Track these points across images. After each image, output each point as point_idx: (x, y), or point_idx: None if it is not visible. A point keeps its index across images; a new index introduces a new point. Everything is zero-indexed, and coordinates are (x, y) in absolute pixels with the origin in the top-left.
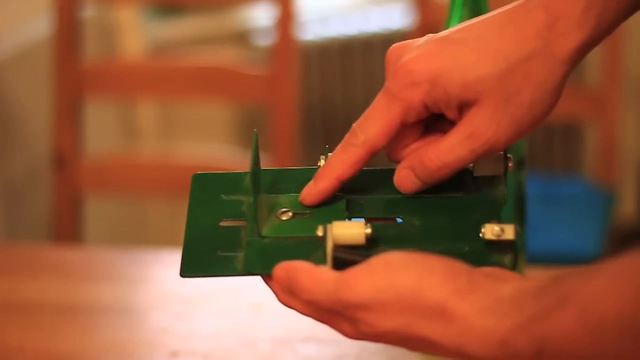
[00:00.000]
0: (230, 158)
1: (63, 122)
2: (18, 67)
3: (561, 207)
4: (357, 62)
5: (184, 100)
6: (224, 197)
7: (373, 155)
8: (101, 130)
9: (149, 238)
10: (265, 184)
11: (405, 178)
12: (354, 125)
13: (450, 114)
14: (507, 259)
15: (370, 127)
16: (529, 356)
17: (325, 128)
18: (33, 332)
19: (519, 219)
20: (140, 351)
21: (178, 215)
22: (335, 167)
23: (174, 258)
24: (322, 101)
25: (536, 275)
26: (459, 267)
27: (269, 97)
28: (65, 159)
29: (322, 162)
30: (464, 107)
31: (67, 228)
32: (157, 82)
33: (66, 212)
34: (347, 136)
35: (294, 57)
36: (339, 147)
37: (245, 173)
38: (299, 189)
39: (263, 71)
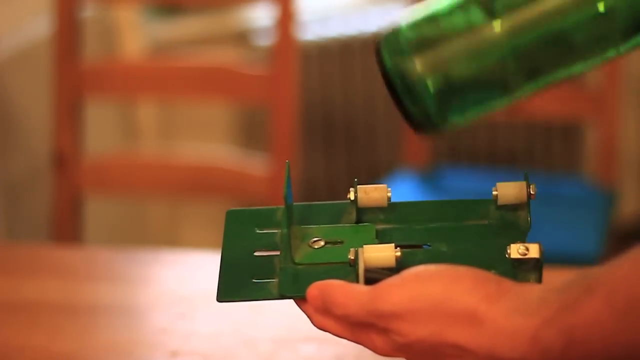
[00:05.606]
0: (231, 158)
1: (63, 122)
2: (18, 67)
3: (561, 207)
4: (357, 62)
5: (184, 100)
6: (257, 230)
7: None
8: (101, 130)
9: (149, 238)
10: (296, 217)
11: None
12: None
13: None
14: (533, 277)
15: None
16: (559, 349)
17: (325, 128)
18: (33, 332)
19: None
20: (140, 351)
21: (178, 215)
22: None
23: (174, 258)
24: (322, 101)
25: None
26: (488, 275)
27: (269, 97)
28: (65, 159)
29: (352, 195)
30: None
31: (67, 228)
32: (157, 82)
33: (66, 212)
34: None
35: (294, 57)
36: None
37: (277, 208)
38: (330, 221)
39: (263, 71)
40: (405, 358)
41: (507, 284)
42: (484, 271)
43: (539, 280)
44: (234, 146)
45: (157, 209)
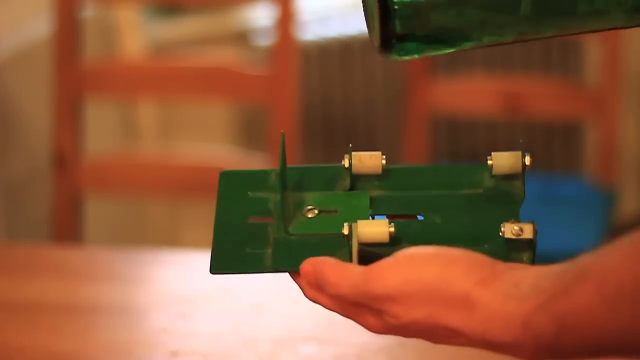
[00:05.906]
0: (230, 158)
1: (63, 122)
2: (18, 67)
3: (561, 207)
4: (357, 62)
5: (184, 100)
6: (250, 194)
7: None
8: (101, 130)
9: (149, 238)
10: (291, 181)
11: None
12: None
13: None
14: (526, 257)
15: None
16: (550, 334)
17: (325, 128)
18: (33, 332)
19: None
20: (140, 351)
21: (178, 215)
22: None
23: (174, 258)
24: (322, 101)
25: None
26: (482, 259)
27: (269, 97)
28: (65, 159)
29: (346, 162)
30: None
31: (67, 228)
32: (157, 82)
33: (66, 212)
34: None
35: (294, 57)
36: None
37: (271, 170)
38: (324, 187)
39: (263, 71)
40: (400, 336)
41: (501, 267)
42: (477, 254)
43: (532, 259)
44: (234, 146)
45: (157, 209)
